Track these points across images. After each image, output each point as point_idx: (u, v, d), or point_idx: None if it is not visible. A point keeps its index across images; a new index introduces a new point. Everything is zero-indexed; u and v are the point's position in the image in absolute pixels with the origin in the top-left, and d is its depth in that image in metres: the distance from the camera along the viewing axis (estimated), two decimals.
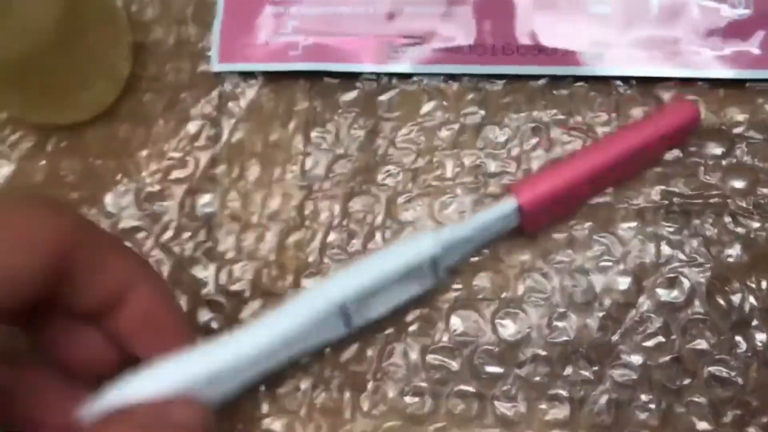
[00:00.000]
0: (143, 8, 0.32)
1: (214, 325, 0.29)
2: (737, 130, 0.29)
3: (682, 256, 0.28)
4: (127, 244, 0.28)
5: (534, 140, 0.30)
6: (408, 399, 0.27)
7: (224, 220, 0.30)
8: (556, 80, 0.30)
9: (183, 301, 0.29)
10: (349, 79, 0.31)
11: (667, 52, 0.29)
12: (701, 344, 0.27)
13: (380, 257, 0.25)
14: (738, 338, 0.27)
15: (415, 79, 0.31)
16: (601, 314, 0.28)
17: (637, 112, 0.30)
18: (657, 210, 0.29)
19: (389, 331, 0.28)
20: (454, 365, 0.28)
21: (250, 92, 0.31)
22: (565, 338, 0.28)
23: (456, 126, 0.30)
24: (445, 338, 0.28)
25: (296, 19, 0.31)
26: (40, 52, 0.27)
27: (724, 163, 0.29)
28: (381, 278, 0.24)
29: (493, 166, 0.30)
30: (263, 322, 0.24)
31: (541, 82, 0.30)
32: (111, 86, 0.31)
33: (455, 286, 0.28)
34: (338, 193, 0.30)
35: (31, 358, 0.23)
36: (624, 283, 0.28)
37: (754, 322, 0.27)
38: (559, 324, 0.28)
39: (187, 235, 0.30)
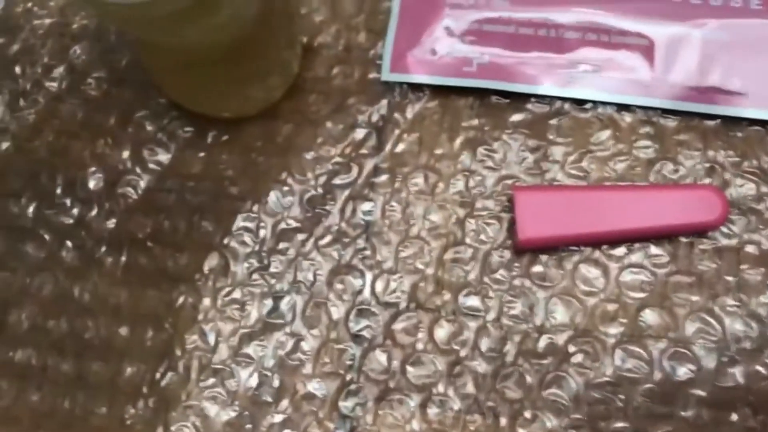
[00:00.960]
0: (313, 11, 0.32)
1: (367, 334, 0.28)
2: None
3: None
4: (287, 244, 0.28)
5: (708, 180, 0.29)
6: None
7: (384, 230, 0.29)
8: (731, 121, 0.30)
9: (337, 308, 0.28)
10: (520, 99, 0.31)
11: None
12: None
13: None
14: None
15: (587, 106, 0.30)
16: None
17: None
18: None
19: (550, 359, 0.27)
20: (617, 401, 0.27)
21: (417, 104, 0.31)
22: (732, 383, 0.27)
23: (628, 158, 0.30)
24: (609, 372, 0.27)
25: (473, 36, 0.30)
26: (230, 46, 0.27)
27: None
28: None
29: None
30: None
31: (716, 122, 0.30)
32: (280, 84, 0.31)
33: (621, 320, 0.28)
34: (502, 214, 0.29)
35: None
36: None
37: None
38: (728, 369, 0.27)
39: (346, 241, 0.29)
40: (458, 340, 0.28)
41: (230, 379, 0.28)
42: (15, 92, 0.32)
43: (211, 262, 0.29)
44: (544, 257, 0.29)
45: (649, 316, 0.28)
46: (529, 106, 0.31)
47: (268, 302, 0.29)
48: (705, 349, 0.27)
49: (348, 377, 0.28)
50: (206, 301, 0.29)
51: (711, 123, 0.30)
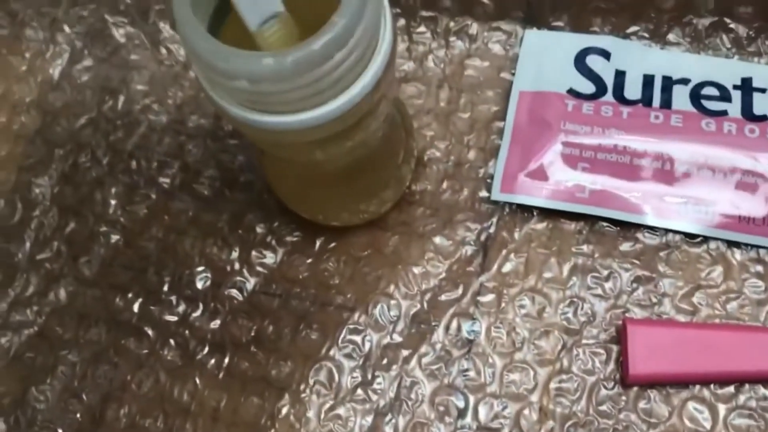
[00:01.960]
0: (425, 126, 0.33)
1: None
2: None
3: None
4: (391, 359, 0.28)
5: None
6: None
7: (488, 351, 0.29)
8: None
9: (439, 430, 0.28)
10: (629, 228, 0.31)
11: None
12: None
13: None
14: None
15: (698, 240, 0.30)
16: None
17: None
18: None
19: None
20: None
21: (525, 225, 0.31)
22: None
23: (739, 296, 0.29)
24: None
25: (587, 163, 0.31)
26: (351, 164, 0.27)
27: None
28: None
29: None
30: None
31: None
32: (392, 197, 0.31)
33: None
34: (611, 345, 0.29)
35: None
36: None
37: None
38: None
39: (449, 360, 0.29)
40: None
41: None
42: (129, 186, 0.33)
43: (316, 373, 0.29)
44: (651, 392, 0.28)
45: None
46: (639, 235, 0.31)
47: (370, 419, 0.29)
48: None
49: None
50: (310, 414, 0.29)
51: None
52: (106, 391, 0.30)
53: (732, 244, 0.30)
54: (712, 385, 0.28)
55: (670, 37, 0.33)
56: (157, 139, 0.33)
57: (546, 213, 0.31)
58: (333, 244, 0.31)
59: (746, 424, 0.28)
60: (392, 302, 0.30)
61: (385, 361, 0.29)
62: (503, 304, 0.30)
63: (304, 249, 0.31)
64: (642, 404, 0.28)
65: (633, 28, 0.33)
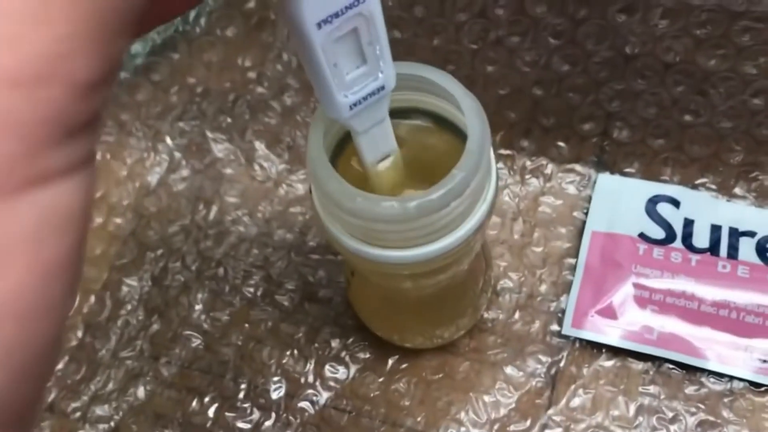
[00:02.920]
0: (499, 256, 0.34)
1: None
2: None
3: None
4: None
5: None
6: None
7: None
8: None
9: None
10: (695, 372, 0.31)
11: None
12: None
13: None
14: None
15: (763, 389, 0.31)
16: None
17: None
18: None
19: None
20: None
21: (594, 362, 0.32)
22: None
23: None
24: None
25: (656, 305, 0.32)
26: (439, 293, 0.29)
27: None
28: None
29: None
30: None
31: None
32: (467, 324, 0.32)
33: None
34: None
35: None
36: None
37: None
38: None
39: None
40: None
41: None
42: (214, 293, 0.34)
43: None
44: None
45: None
46: (703, 380, 0.31)
47: None
48: None
49: None
50: None
51: None
52: None
53: None
54: None
55: (737, 190, 0.35)
56: (244, 249, 0.35)
57: (614, 351, 0.32)
58: (405, 365, 0.32)
59: None
60: (462, 429, 0.31)
61: None
62: None
63: (376, 368, 0.32)
64: None
65: (701, 180, 0.35)
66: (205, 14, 0.38)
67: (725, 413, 0.31)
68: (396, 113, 0.22)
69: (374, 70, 0.19)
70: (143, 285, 0.35)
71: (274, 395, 0.32)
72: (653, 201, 0.34)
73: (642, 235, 0.33)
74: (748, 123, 0.34)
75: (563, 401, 0.31)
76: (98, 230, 0.36)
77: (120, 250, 0.36)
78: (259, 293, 0.34)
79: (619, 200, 0.35)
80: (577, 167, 0.36)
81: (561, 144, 0.36)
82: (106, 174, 0.38)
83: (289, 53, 0.37)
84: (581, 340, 0.32)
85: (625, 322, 0.32)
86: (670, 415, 0.31)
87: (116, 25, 0.11)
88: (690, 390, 0.31)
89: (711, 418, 0.31)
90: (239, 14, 0.38)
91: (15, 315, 0.11)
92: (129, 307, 0.34)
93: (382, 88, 0.20)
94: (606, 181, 0.35)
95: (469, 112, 0.22)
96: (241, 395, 0.32)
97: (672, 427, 0.30)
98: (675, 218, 0.34)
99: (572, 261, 0.34)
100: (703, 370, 0.31)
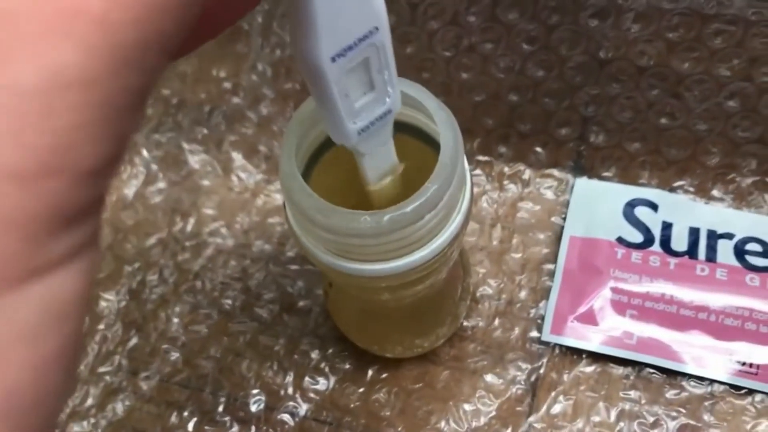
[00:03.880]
0: (478, 263, 0.34)
1: None
2: None
3: None
4: None
5: None
6: None
7: None
8: None
9: None
10: (675, 376, 0.31)
11: None
12: None
13: None
14: None
15: (743, 392, 0.31)
16: None
17: None
18: None
19: None
20: None
21: (574, 368, 0.32)
22: None
23: None
24: None
25: (635, 310, 0.32)
26: (417, 302, 0.28)
27: None
28: None
29: None
30: None
31: None
32: (446, 333, 0.32)
33: None
34: None
35: None
36: None
37: None
38: None
39: None
40: None
41: None
42: (192, 306, 0.34)
43: None
44: None
45: None
46: (684, 383, 0.31)
47: None
48: None
49: None
50: None
51: None
52: None
53: None
54: None
55: (714, 192, 0.35)
56: (222, 261, 0.35)
57: (594, 356, 0.32)
58: (385, 375, 0.32)
59: None
60: None
61: None
62: None
63: (356, 378, 0.32)
64: None
65: (679, 182, 0.35)
66: None
67: (706, 417, 0.31)
68: None
69: (382, 95, 0.19)
70: (120, 299, 0.34)
71: (254, 408, 0.32)
72: (631, 205, 0.34)
73: (620, 240, 0.33)
74: (723, 125, 0.34)
75: (544, 408, 0.31)
76: None
77: None
78: (237, 305, 0.34)
79: (597, 204, 0.35)
80: (555, 172, 0.36)
81: (538, 149, 0.36)
82: None
83: (263, 63, 0.36)
84: (561, 346, 0.32)
85: (604, 327, 0.32)
86: (651, 419, 0.31)
87: (129, 104, 0.11)
88: (671, 394, 0.31)
89: (692, 422, 0.31)
90: None
91: (7, 414, 0.10)
92: (107, 321, 0.34)
93: (389, 111, 0.20)
94: (583, 185, 0.35)
95: (442, 124, 0.22)
96: (221, 408, 0.32)
97: None
98: (653, 222, 0.34)
99: (551, 266, 0.34)
100: (683, 374, 0.31)
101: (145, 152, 0.37)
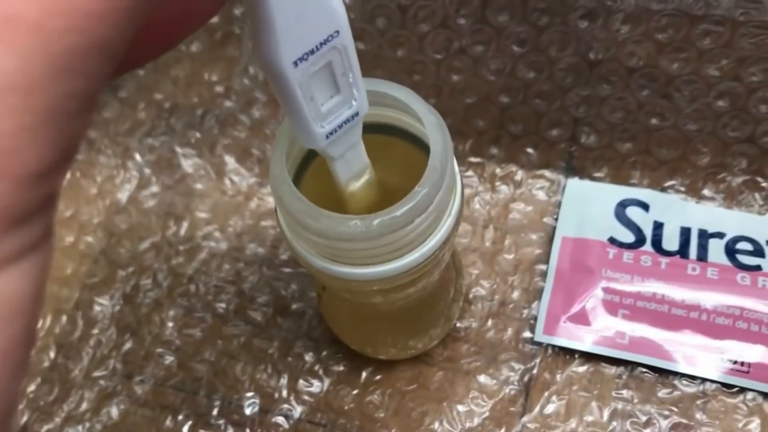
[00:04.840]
0: (471, 264, 0.34)
1: None
2: None
3: None
4: None
5: None
6: None
7: None
8: None
9: None
10: (667, 375, 0.32)
11: None
12: None
13: None
14: None
15: (735, 390, 0.31)
16: None
17: None
18: None
19: None
20: None
21: (567, 368, 0.32)
22: None
23: None
24: None
25: (627, 310, 0.32)
26: (410, 304, 0.29)
27: None
28: None
29: None
30: None
31: None
32: (439, 334, 0.32)
33: None
34: None
35: None
36: None
37: None
38: None
39: None
40: None
41: None
42: (186, 309, 0.34)
43: None
44: None
45: None
46: (676, 382, 0.31)
47: None
48: None
49: None
50: None
51: None
52: None
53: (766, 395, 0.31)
54: None
55: (705, 192, 0.35)
56: (216, 265, 0.35)
57: (587, 356, 0.32)
58: (378, 377, 0.32)
59: None
60: None
61: None
62: None
63: (350, 380, 0.32)
64: None
65: (670, 182, 0.35)
66: None
67: (698, 415, 0.31)
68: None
69: (348, 98, 0.20)
70: (115, 303, 0.35)
71: (248, 411, 0.32)
72: (622, 205, 0.35)
73: (612, 240, 0.34)
74: (713, 125, 0.34)
75: (537, 408, 0.31)
76: (69, 249, 0.36)
77: (91, 268, 0.35)
78: (231, 308, 0.34)
79: (589, 205, 0.35)
80: (547, 173, 0.36)
81: (530, 150, 0.36)
82: (76, 192, 0.37)
83: (255, 67, 0.36)
84: (554, 346, 0.32)
85: (596, 327, 0.32)
86: (644, 419, 0.31)
87: (74, 109, 0.11)
88: (663, 393, 0.31)
89: (684, 421, 0.31)
90: (203, 30, 0.38)
91: None
92: (101, 326, 0.34)
93: (356, 114, 0.20)
94: (575, 186, 0.35)
95: (431, 128, 0.22)
96: (215, 412, 0.32)
97: (645, 431, 0.31)
98: (644, 222, 0.34)
99: (543, 267, 0.34)
100: (675, 373, 0.32)
101: (138, 156, 0.38)
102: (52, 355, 0.34)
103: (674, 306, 0.32)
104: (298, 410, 0.32)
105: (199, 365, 0.33)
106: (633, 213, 0.34)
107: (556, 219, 0.35)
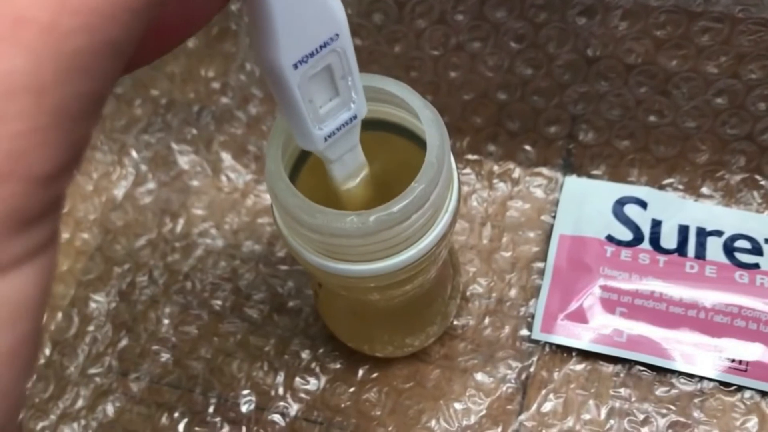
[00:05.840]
0: (468, 262, 0.34)
1: None
2: None
3: None
4: None
5: None
6: None
7: None
8: None
9: None
10: (665, 374, 0.31)
11: None
12: None
13: None
14: None
15: (733, 388, 0.31)
16: None
17: None
18: None
19: None
20: None
21: (565, 366, 0.32)
22: None
23: None
24: None
25: (625, 308, 0.32)
26: (407, 302, 0.28)
27: None
28: None
29: None
30: None
31: None
32: (436, 332, 0.32)
33: None
34: None
35: None
36: None
37: None
38: None
39: None
40: None
41: None
42: (182, 306, 0.34)
43: None
44: None
45: None
46: (674, 380, 0.31)
47: None
48: None
49: None
50: None
51: None
52: None
53: (766, 394, 0.31)
54: None
55: (704, 190, 0.35)
56: (212, 262, 0.35)
57: (584, 354, 0.32)
58: (375, 374, 0.32)
59: None
60: None
61: None
62: None
63: (347, 378, 0.32)
64: None
65: (668, 180, 0.35)
66: None
67: (696, 414, 0.31)
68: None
69: (347, 101, 0.20)
70: (110, 300, 0.34)
71: (244, 408, 0.32)
72: (620, 203, 0.34)
73: (609, 237, 0.34)
74: (712, 122, 0.34)
75: (534, 406, 0.31)
76: (65, 246, 0.36)
77: (87, 265, 0.35)
78: (227, 306, 0.34)
79: (587, 203, 0.35)
80: (544, 171, 0.36)
81: (528, 148, 0.36)
82: (72, 189, 0.37)
83: (252, 63, 0.36)
84: (551, 344, 0.32)
85: (594, 325, 0.32)
86: (641, 417, 0.31)
87: (84, 110, 0.11)
88: (660, 391, 0.31)
89: (682, 419, 0.31)
90: None
91: None
92: (96, 323, 0.34)
93: (355, 117, 0.20)
94: (573, 183, 0.35)
95: (428, 123, 0.22)
96: (211, 409, 0.32)
97: (643, 429, 0.31)
98: (642, 219, 0.34)
99: (541, 265, 0.34)
100: (673, 372, 0.32)
101: (134, 153, 0.37)
102: (47, 352, 0.34)
103: (672, 304, 0.32)
104: (294, 408, 0.32)
105: (195, 362, 0.33)
106: (631, 211, 0.34)
107: (554, 217, 0.35)
